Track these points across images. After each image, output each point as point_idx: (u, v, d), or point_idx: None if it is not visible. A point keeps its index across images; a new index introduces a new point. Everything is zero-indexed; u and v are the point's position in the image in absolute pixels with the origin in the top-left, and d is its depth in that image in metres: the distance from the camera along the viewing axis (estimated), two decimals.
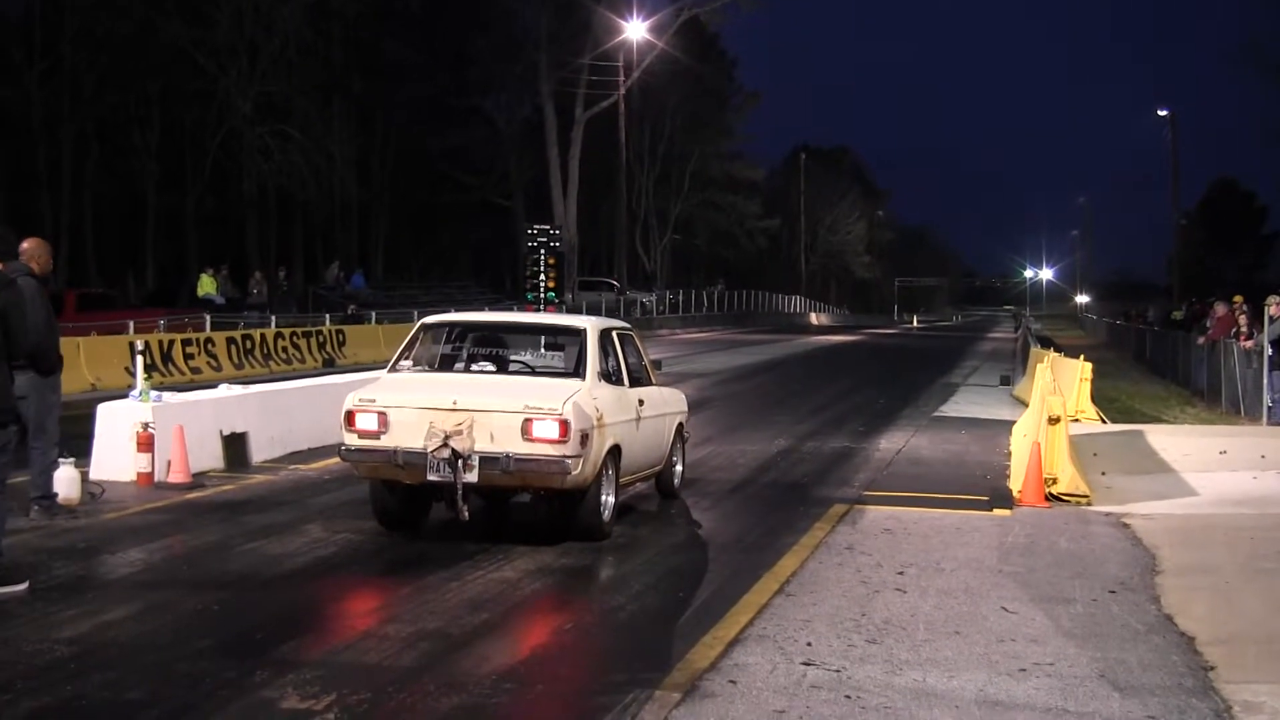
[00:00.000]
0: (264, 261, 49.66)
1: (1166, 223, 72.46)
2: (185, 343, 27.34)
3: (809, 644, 7.95)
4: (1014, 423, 18.25)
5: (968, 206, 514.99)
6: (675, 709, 6.73)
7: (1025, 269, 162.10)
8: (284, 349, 30.85)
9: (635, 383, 12.13)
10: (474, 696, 6.87)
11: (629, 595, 9.27)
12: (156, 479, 13.22)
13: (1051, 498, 13.26)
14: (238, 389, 15.88)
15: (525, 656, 7.79)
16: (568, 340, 12.06)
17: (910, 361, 42.94)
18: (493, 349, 11.96)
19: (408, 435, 10.55)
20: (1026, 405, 19.23)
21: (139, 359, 15.63)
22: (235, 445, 14.75)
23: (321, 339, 32.76)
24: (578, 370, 11.26)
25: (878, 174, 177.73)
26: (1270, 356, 20.59)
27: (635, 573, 10.05)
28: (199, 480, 13.48)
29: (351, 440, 10.76)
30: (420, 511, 11.37)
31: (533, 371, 11.76)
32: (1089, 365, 20.92)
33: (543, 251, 46.86)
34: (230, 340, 29.00)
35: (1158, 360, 37.31)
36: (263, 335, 30.46)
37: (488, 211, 69.95)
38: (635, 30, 60.17)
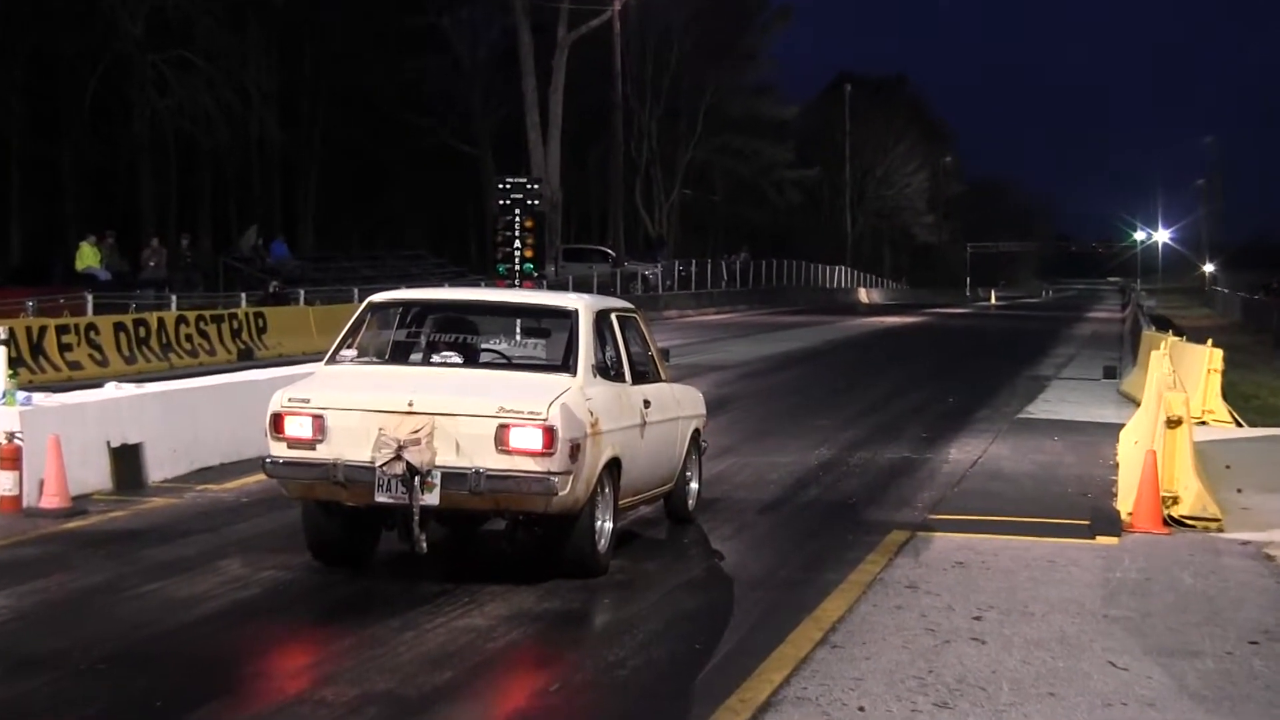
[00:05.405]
0: (162, 226, 49.64)
1: None
2: (61, 330, 27.35)
3: (861, 709, 7.97)
4: (1122, 426, 18.28)
5: (1057, 153, 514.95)
6: None
7: (1136, 230, 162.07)
8: (188, 337, 30.87)
9: (639, 378, 12.17)
10: None
11: (631, 647, 9.29)
12: (25, 504, 13.21)
13: (1171, 521, 13.26)
14: (129, 388, 15.89)
15: None
16: (554, 324, 12.08)
17: (988, 349, 43.05)
18: (458, 335, 11.96)
19: (351, 445, 10.56)
20: (1138, 404, 19.26)
21: (1, 350, 15.54)
22: (127, 460, 14.75)
23: (236, 325, 32.77)
24: (567, 363, 11.27)
25: (943, 111, 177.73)
26: None
27: (639, 618, 10.08)
28: (80, 505, 13.47)
29: (279, 451, 10.79)
30: (366, 542, 11.37)
31: (510, 364, 11.79)
32: (1219, 353, 20.95)
33: (518, 211, 46.90)
34: (119, 326, 29.01)
35: None
36: (161, 320, 30.46)
37: (448, 162, 69.88)
38: None
